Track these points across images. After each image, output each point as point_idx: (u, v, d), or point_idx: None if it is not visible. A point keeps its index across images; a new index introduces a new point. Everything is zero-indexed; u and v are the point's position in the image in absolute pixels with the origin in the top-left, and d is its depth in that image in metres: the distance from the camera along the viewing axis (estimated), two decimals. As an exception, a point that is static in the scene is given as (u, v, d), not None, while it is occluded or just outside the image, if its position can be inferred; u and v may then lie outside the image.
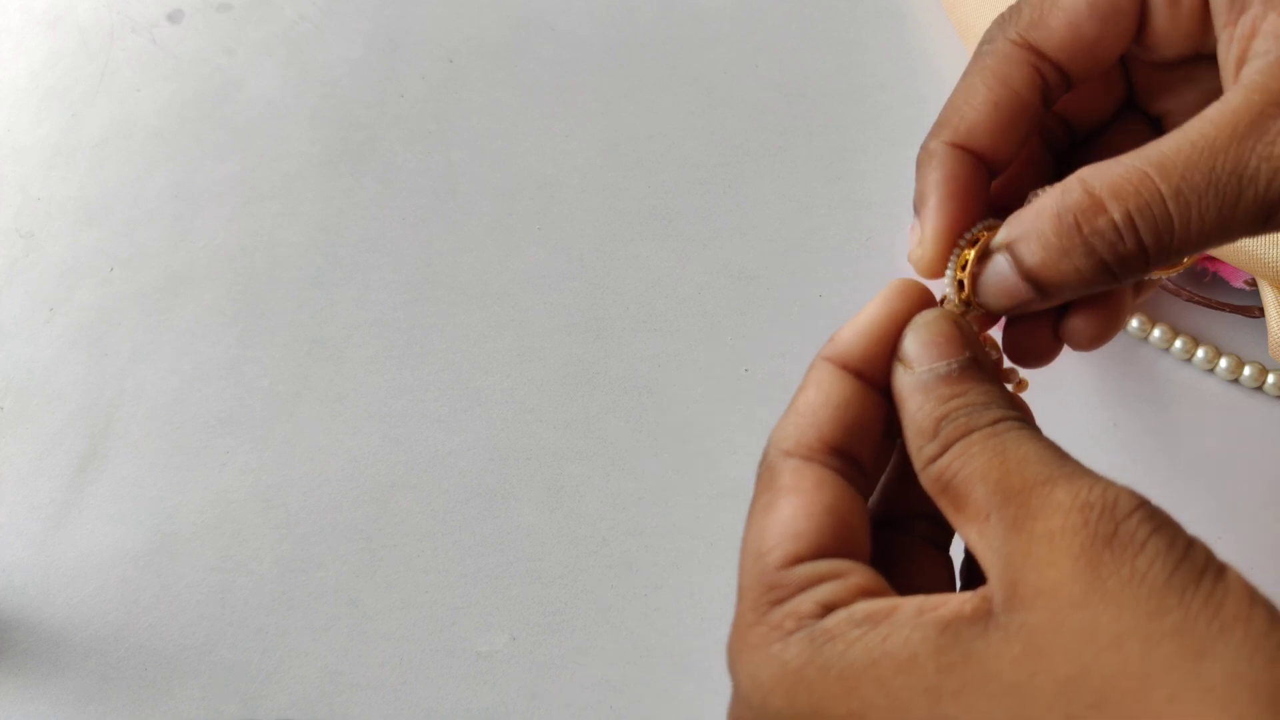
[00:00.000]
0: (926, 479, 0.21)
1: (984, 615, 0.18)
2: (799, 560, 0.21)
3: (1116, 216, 0.21)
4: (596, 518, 0.39)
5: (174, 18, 0.52)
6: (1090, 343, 0.25)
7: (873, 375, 0.24)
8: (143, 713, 0.36)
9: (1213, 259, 0.42)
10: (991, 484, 0.20)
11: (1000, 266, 0.23)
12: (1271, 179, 0.20)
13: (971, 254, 0.24)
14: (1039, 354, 0.25)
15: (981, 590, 0.19)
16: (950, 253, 0.25)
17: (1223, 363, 0.41)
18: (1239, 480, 0.39)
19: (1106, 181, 0.21)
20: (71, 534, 0.39)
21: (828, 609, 0.19)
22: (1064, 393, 0.41)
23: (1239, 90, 0.21)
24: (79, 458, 0.40)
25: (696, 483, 0.39)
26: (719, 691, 0.36)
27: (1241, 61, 0.22)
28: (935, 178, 0.25)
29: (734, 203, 0.46)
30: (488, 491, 0.39)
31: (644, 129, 0.48)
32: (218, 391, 0.42)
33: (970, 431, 0.21)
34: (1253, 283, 0.41)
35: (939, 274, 0.25)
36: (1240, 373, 0.41)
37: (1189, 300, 0.42)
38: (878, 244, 0.45)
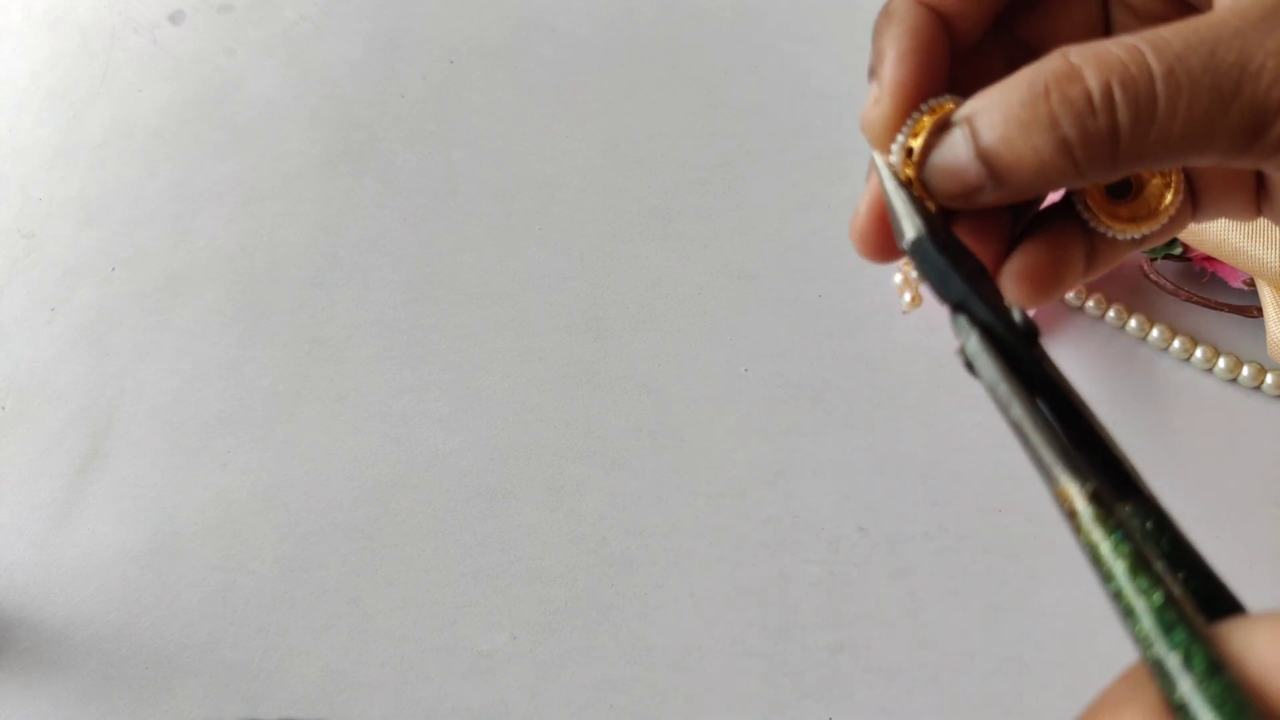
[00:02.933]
0: None
1: None
2: None
3: (1093, 85, 0.19)
4: (596, 517, 0.39)
5: (175, 18, 0.52)
6: (1028, 287, 0.22)
7: None
8: (144, 712, 0.36)
9: (1211, 259, 0.42)
10: None
11: (955, 140, 0.20)
12: (1275, 81, 0.18)
13: (928, 121, 0.21)
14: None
15: None
16: (907, 116, 0.22)
17: (1221, 362, 0.41)
18: (1237, 479, 0.39)
19: (1092, 52, 0.19)
20: (73, 533, 0.39)
21: None
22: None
23: None
24: (80, 457, 0.41)
25: (696, 482, 0.39)
26: (719, 691, 0.36)
27: None
28: (896, 32, 0.22)
29: (734, 203, 0.46)
30: (488, 491, 0.39)
31: (644, 129, 0.48)
32: (218, 391, 0.42)
33: None
34: (1251, 283, 0.41)
35: (891, 136, 0.22)
36: (1239, 372, 0.41)
37: (1187, 300, 0.42)
38: (877, 244, 0.45)
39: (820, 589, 0.37)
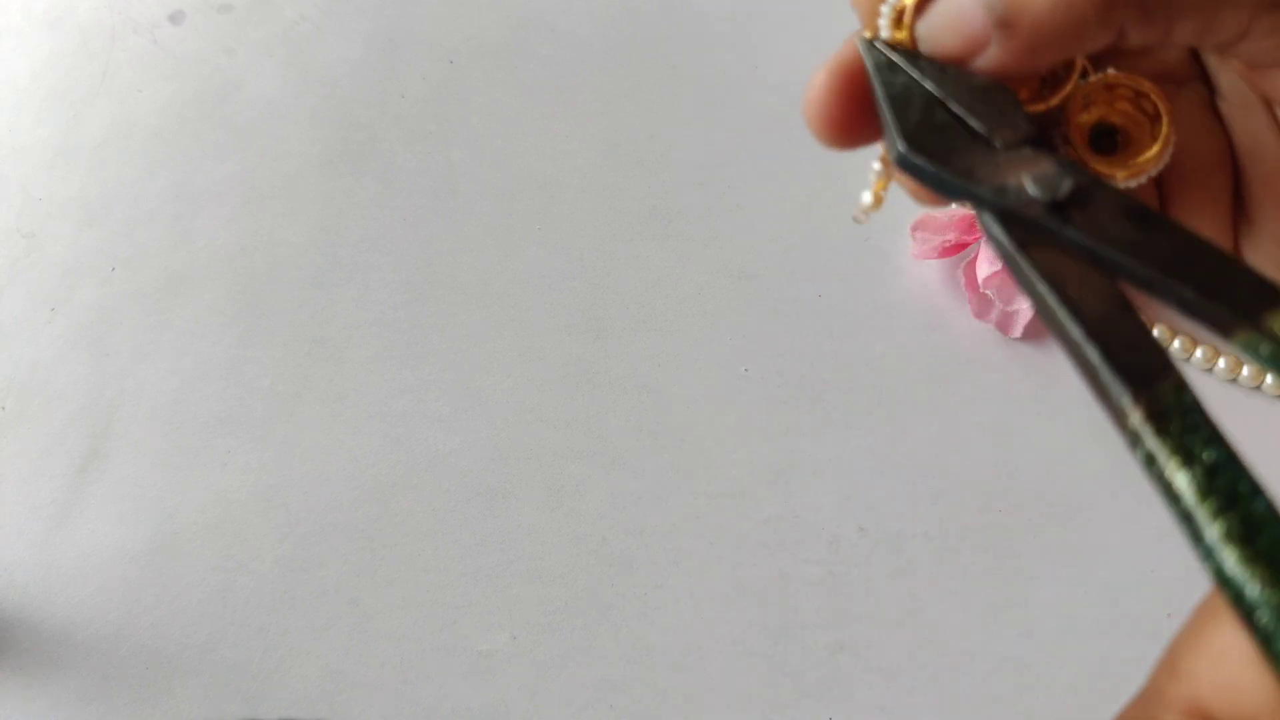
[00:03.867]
0: None
1: None
2: None
3: None
4: (596, 517, 0.39)
5: (175, 18, 0.52)
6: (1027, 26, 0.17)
7: None
8: (144, 712, 0.36)
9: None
10: None
11: None
12: None
13: None
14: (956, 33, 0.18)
15: None
16: None
17: (1221, 362, 0.41)
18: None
19: None
20: (73, 533, 0.39)
21: None
22: (1062, 391, 0.41)
23: None
24: (80, 457, 0.41)
25: (696, 482, 0.39)
26: (719, 691, 0.36)
27: None
28: None
29: (734, 203, 0.46)
30: (488, 491, 0.39)
31: (644, 129, 0.48)
32: (218, 391, 0.42)
33: None
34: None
35: None
36: (1238, 372, 0.41)
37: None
38: (878, 244, 0.45)
39: (820, 589, 0.37)
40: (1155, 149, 0.19)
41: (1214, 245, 0.17)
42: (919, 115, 0.18)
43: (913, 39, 0.18)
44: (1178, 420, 0.16)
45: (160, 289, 0.44)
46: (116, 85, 0.50)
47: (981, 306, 0.42)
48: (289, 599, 0.38)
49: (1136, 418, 0.15)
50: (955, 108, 0.18)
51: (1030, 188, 0.18)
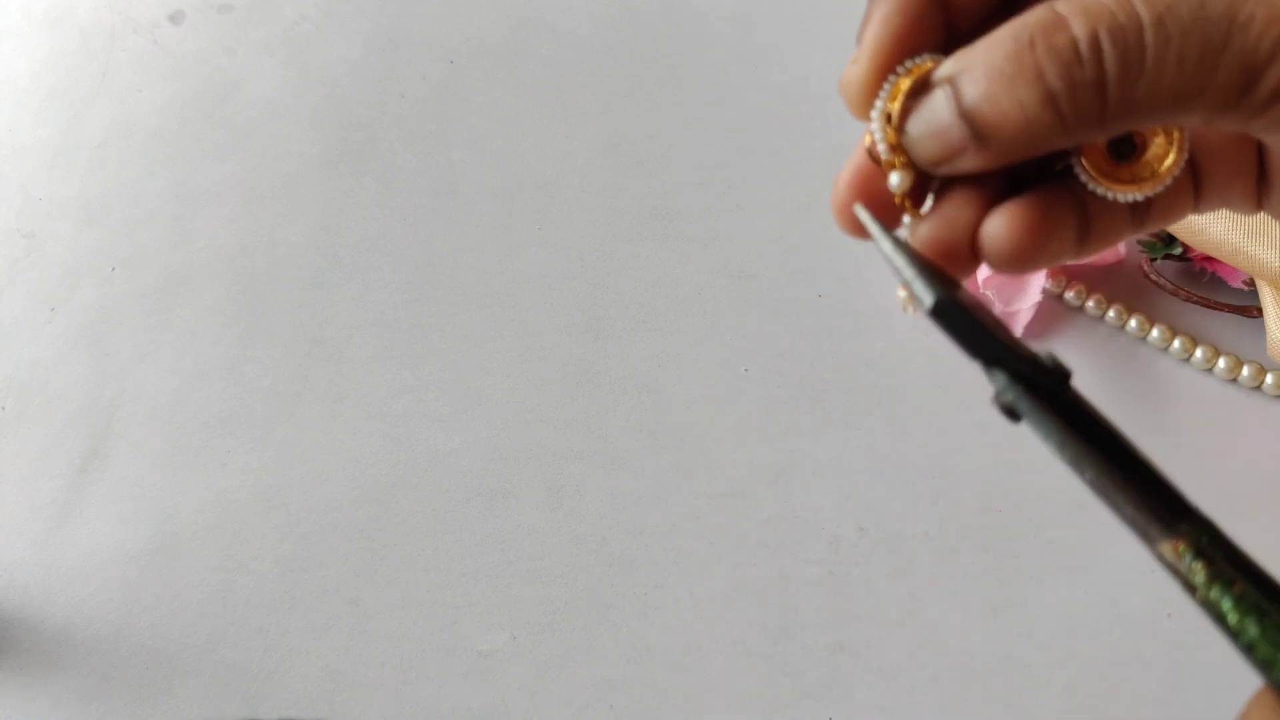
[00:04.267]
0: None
1: None
2: None
3: (1080, 34, 0.18)
4: (596, 517, 0.39)
5: (175, 18, 0.52)
6: (1010, 250, 0.20)
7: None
8: (144, 712, 0.36)
9: (1211, 259, 0.42)
10: None
11: (936, 101, 0.19)
12: (1264, 31, 0.17)
13: (907, 82, 0.20)
14: (951, 251, 0.21)
15: None
16: (885, 78, 0.21)
17: (1221, 362, 0.41)
18: (1237, 479, 0.39)
19: (1079, 2, 0.18)
20: (73, 533, 0.39)
21: None
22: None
23: None
24: (80, 457, 0.41)
25: (696, 482, 0.39)
26: (719, 691, 0.36)
27: None
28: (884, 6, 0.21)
29: (734, 203, 0.46)
30: (488, 491, 0.39)
31: (644, 129, 0.48)
32: (218, 391, 0.42)
33: None
34: (1251, 283, 0.41)
35: (869, 98, 0.21)
36: (1239, 372, 0.41)
37: (1187, 300, 0.42)
38: (876, 244, 0.45)
39: (820, 589, 0.37)
40: (1173, 155, 0.20)
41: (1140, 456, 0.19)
42: (943, 280, 0.20)
43: (900, 142, 0.20)
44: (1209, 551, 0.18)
45: (160, 289, 0.44)
46: (116, 85, 0.50)
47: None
48: (289, 599, 0.38)
49: (1172, 550, 0.18)
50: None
51: (1047, 360, 0.20)
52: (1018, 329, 0.42)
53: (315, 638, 0.37)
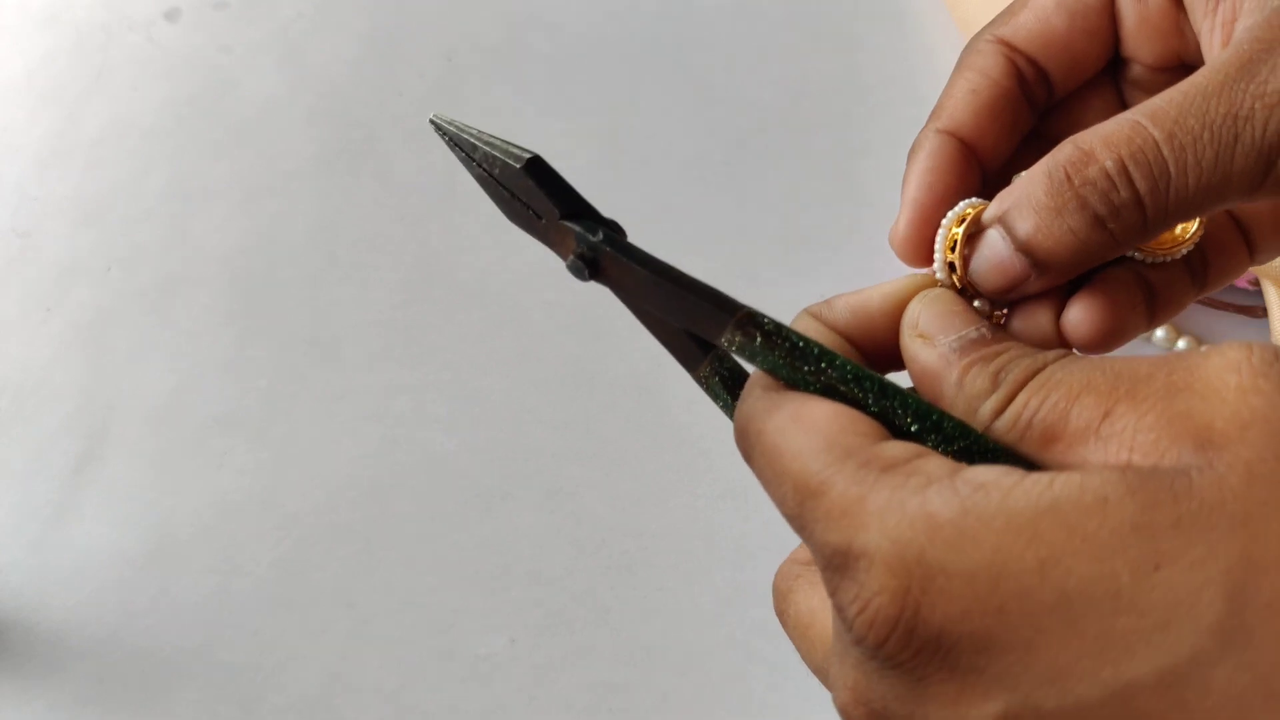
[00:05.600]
0: (1000, 431, 0.19)
1: (1171, 465, 0.17)
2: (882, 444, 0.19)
3: (1109, 164, 0.20)
4: (596, 519, 0.38)
5: (171, 16, 0.51)
6: (1094, 336, 0.23)
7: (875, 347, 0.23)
8: (140, 715, 0.36)
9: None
10: (1105, 384, 0.18)
11: (993, 240, 0.22)
12: (1268, 119, 0.20)
13: (960, 231, 0.23)
14: (1045, 345, 0.23)
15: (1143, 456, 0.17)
16: (931, 229, 0.23)
17: (1225, 363, 0.41)
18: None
19: (1098, 135, 0.21)
20: (68, 535, 0.39)
21: (955, 470, 0.18)
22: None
23: (1229, 48, 0.21)
24: (76, 458, 0.40)
25: (696, 483, 0.39)
26: (719, 691, 0.36)
27: (1226, 45, 0.21)
28: (916, 158, 0.24)
29: (734, 203, 0.45)
30: (487, 492, 0.39)
31: (644, 128, 0.48)
32: (215, 392, 0.41)
33: (1038, 370, 0.19)
34: (1256, 283, 0.41)
35: (921, 251, 0.24)
36: (1243, 373, 0.40)
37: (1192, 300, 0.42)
38: (878, 244, 0.44)
39: (821, 591, 0.37)
40: (1195, 225, 0.23)
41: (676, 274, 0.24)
42: (493, 191, 0.25)
43: (967, 280, 0.23)
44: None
45: (156, 288, 0.44)
46: (112, 83, 0.50)
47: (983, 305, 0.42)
48: (286, 602, 0.37)
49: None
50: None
51: (570, 270, 0.24)
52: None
53: (312, 641, 0.37)
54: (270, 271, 0.44)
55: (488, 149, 0.24)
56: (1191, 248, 0.23)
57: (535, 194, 0.23)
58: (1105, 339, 0.23)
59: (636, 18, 0.51)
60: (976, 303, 0.23)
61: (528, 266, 0.44)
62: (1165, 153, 0.20)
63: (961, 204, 0.23)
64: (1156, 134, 0.20)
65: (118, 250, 0.45)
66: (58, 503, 0.39)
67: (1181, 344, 0.41)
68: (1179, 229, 0.23)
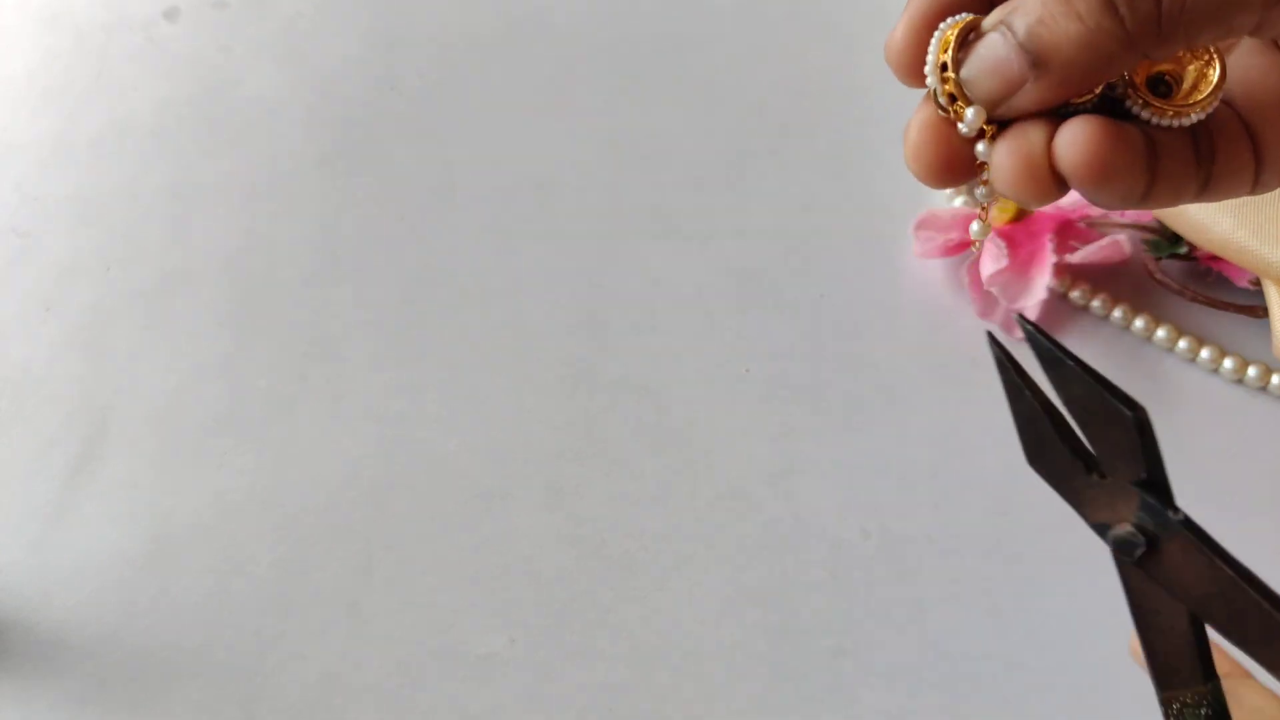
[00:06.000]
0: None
1: None
2: None
3: None
4: (596, 518, 0.38)
5: (170, 16, 0.51)
6: (1088, 161, 0.20)
7: None
8: (140, 715, 0.36)
9: (1217, 259, 0.41)
10: None
11: (991, 39, 0.20)
12: None
13: (954, 31, 0.21)
14: (1031, 170, 0.21)
15: None
16: (928, 34, 0.21)
17: (1227, 363, 0.40)
18: (1242, 480, 0.39)
19: None
20: (68, 535, 0.39)
21: None
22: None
23: None
24: (75, 458, 0.40)
25: (696, 483, 0.39)
26: (719, 695, 0.36)
27: None
28: None
29: (734, 203, 0.45)
30: (487, 492, 0.39)
31: (644, 129, 0.48)
32: (215, 392, 0.41)
33: None
34: (1257, 282, 0.41)
35: (917, 63, 0.21)
36: (1244, 373, 0.40)
37: (1193, 300, 0.42)
38: (880, 243, 0.44)
39: (822, 592, 0.37)
40: (1213, 72, 0.21)
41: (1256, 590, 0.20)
42: (1039, 429, 0.22)
43: (959, 86, 0.21)
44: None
45: (156, 288, 0.44)
46: (112, 83, 0.50)
47: (986, 305, 0.42)
48: (285, 602, 0.37)
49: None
50: (1075, 427, 0.21)
51: (1113, 543, 0.21)
52: (1020, 330, 0.41)
53: (312, 641, 0.37)
54: (270, 271, 0.44)
55: (1082, 376, 0.21)
56: (1203, 114, 0.21)
57: (1122, 449, 0.21)
58: (1100, 172, 0.20)
59: (637, 17, 0.51)
60: (962, 125, 0.21)
61: (527, 267, 0.44)
62: None
63: (960, 16, 0.21)
64: None
65: (117, 250, 0.45)
66: (58, 502, 0.39)
67: (1182, 344, 0.41)
68: (1190, 84, 0.21)
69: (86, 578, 0.38)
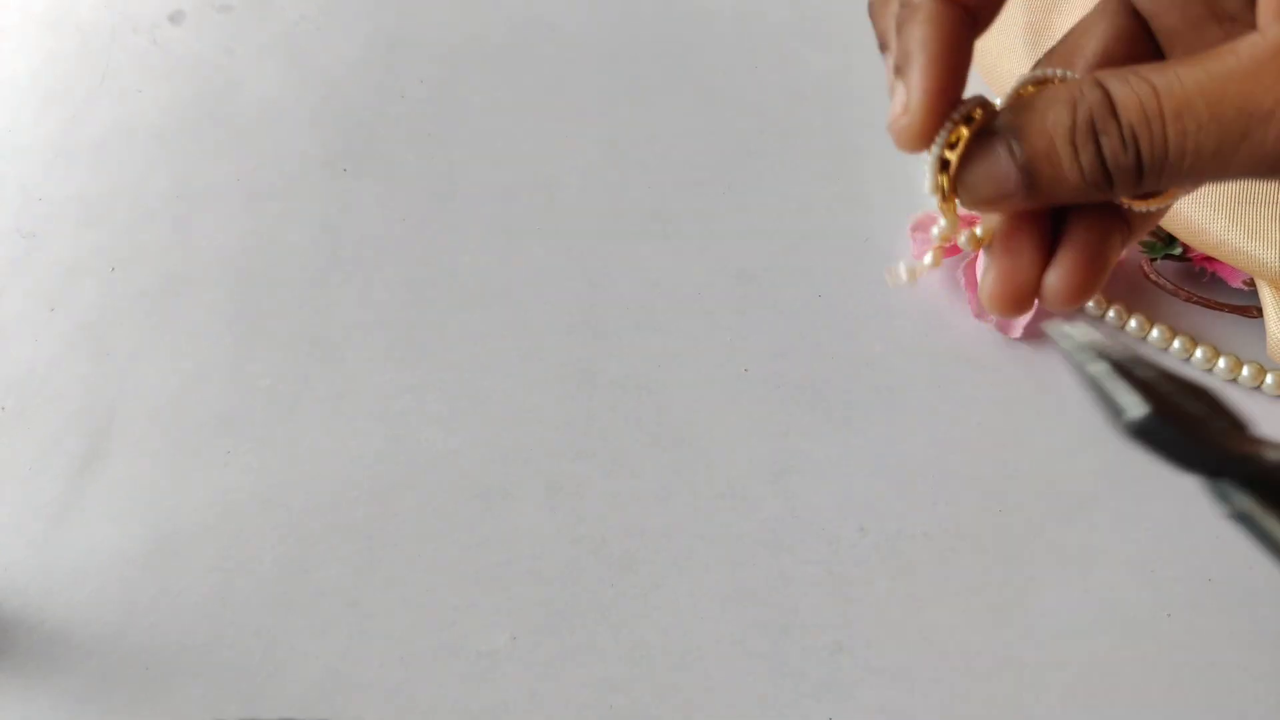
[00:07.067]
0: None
1: None
2: None
3: (1124, 122, 0.20)
4: (596, 517, 0.39)
5: (175, 18, 0.52)
6: (1068, 296, 0.23)
7: None
8: (143, 713, 0.36)
9: (1211, 260, 0.42)
10: None
11: (999, 153, 0.22)
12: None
13: (965, 131, 0.22)
14: (1015, 297, 0.23)
15: None
16: (940, 124, 0.22)
17: (1221, 362, 0.41)
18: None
19: (1119, 91, 0.20)
20: (72, 534, 0.39)
21: None
22: (1062, 391, 0.41)
23: (1272, 26, 0.19)
24: (79, 457, 0.40)
25: (696, 482, 0.39)
26: (719, 692, 0.36)
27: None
28: (924, 33, 0.22)
29: (734, 203, 0.46)
30: (488, 491, 0.39)
31: (644, 129, 0.48)
32: (218, 391, 0.42)
33: None
34: (1251, 283, 0.41)
35: (924, 145, 0.22)
36: (1239, 372, 0.41)
37: (1187, 300, 0.42)
38: (878, 244, 0.45)
39: (821, 589, 0.37)
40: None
41: None
42: (1151, 394, 0.20)
43: (953, 186, 0.22)
44: None
45: (160, 289, 0.44)
46: (116, 85, 0.50)
47: (981, 307, 0.42)
48: (288, 600, 0.37)
49: None
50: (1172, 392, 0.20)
51: (1272, 454, 0.19)
52: (1018, 330, 0.42)
53: (315, 638, 0.37)
54: (273, 272, 0.44)
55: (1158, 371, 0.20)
56: (1177, 198, 0.23)
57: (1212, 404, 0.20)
58: (1075, 300, 0.23)
59: (637, 21, 0.51)
60: (942, 223, 0.23)
61: (528, 267, 0.44)
62: (1169, 132, 0.20)
63: (964, 104, 0.22)
64: (1167, 110, 0.20)
65: (121, 251, 0.45)
66: (61, 501, 0.40)
67: (1177, 344, 0.41)
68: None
69: (89, 576, 0.38)
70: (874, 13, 0.24)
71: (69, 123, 0.49)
